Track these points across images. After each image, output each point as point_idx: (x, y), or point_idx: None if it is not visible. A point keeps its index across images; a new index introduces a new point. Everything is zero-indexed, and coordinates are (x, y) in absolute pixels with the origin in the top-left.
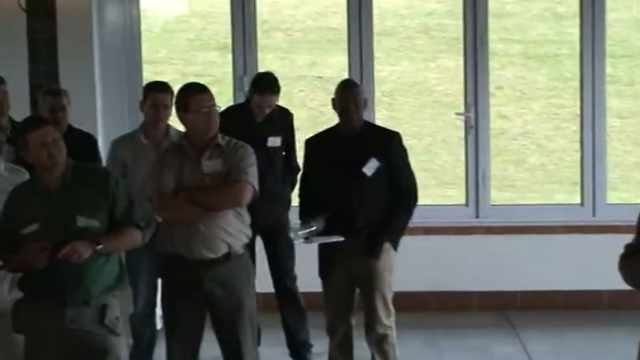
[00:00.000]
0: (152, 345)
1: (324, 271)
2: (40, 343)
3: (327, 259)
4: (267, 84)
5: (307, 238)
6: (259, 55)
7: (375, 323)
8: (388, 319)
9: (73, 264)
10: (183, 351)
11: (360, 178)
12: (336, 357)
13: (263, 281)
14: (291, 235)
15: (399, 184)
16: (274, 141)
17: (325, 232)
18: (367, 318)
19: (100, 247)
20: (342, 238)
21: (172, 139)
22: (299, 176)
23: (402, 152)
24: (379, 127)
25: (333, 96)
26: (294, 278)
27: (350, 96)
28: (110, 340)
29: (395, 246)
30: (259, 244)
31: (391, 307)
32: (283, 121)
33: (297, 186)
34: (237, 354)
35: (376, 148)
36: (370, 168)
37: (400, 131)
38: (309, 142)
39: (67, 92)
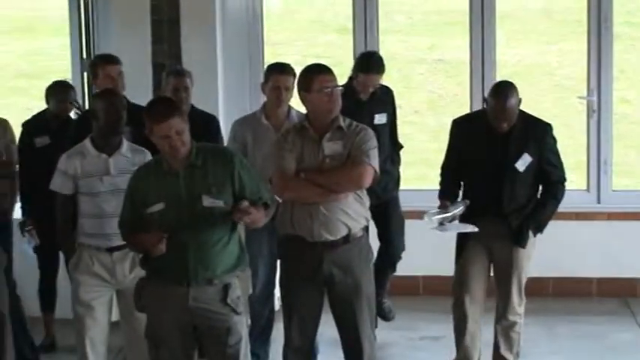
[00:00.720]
0: (270, 326)
1: (460, 251)
2: (163, 322)
3: (464, 239)
4: (372, 64)
5: (442, 224)
6: (380, 37)
7: (507, 310)
8: (520, 307)
9: (196, 245)
10: (300, 332)
11: (511, 172)
12: (468, 344)
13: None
14: (425, 218)
15: (550, 177)
16: (380, 118)
17: (462, 218)
18: (500, 304)
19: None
20: (476, 229)
21: (293, 121)
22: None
23: (553, 144)
24: (530, 117)
25: (451, 79)
26: (400, 255)
27: (502, 111)
28: (232, 319)
29: (537, 234)
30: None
31: (523, 294)
32: (386, 98)
33: (440, 165)
34: (355, 336)
35: (529, 144)
36: (523, 164)
37: None
38: (457, 124)
39: (190, 73)
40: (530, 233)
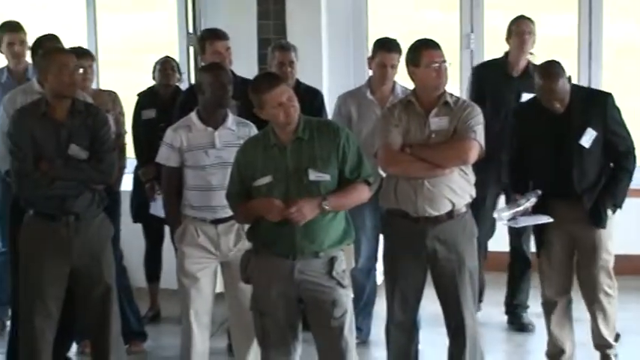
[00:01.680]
0: (372, 300)
1: (540, 243)
2: (269, 294)
3: (543, 229)
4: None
5: (514, 218)
6: (485, 12)
7: (597, 293)
8: (611, 289)
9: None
10: (403, 307)
11: (578, 150)
12: (557, 335)
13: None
14: (495, 215)
15: (617, 149)
16: (526, 97)
17: (536, 208)
18: (589, 289)
19: (327, 207)
20: (550, 220)
21: (398, 96)
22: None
23: (617, 114)
24: (588, 90)
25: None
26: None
27: (551, 92)
28: (338, 292)
29: (616, 210)
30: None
31: (612, 274)
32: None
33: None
34: (458, 312)
35: (591, 118)
36: (588, 139)
37: (627, 93)
38: (516, 113)
39: (295, 48)
40: (609, 211)
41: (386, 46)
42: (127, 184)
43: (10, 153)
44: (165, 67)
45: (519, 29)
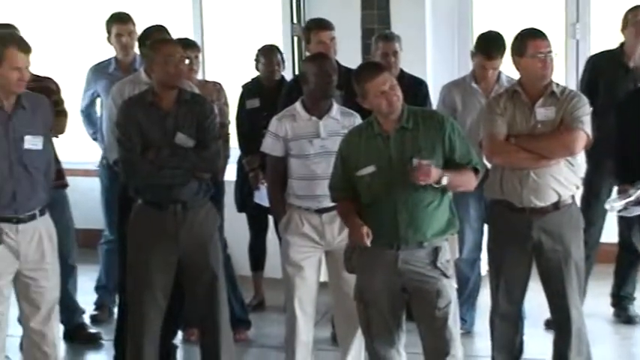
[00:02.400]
0: (476, 291)
1: None
2: (373, 284)
3: None
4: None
5: (625, 209)
6: (592, 1)
7: None
8: None
9: (407, 208)
10: (508, 298)
11: None
12: None
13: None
14: (607, 206)
15: None
16: None
17: None
18: None
19: (445, 181)
20: None
21: (503, 85)
22: None
23: None
24: None
25: None
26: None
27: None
28: (442, 282)
29: None
30: None
31: None
32: None
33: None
34: (563, 304)
35: None
36: None
37: None
38: (619, 106)
39: (399, 38)
40: None
41: (486, 51)
42: (230, 174)
43: (119, 142)
44: (270, 57)
45: (636, 19)
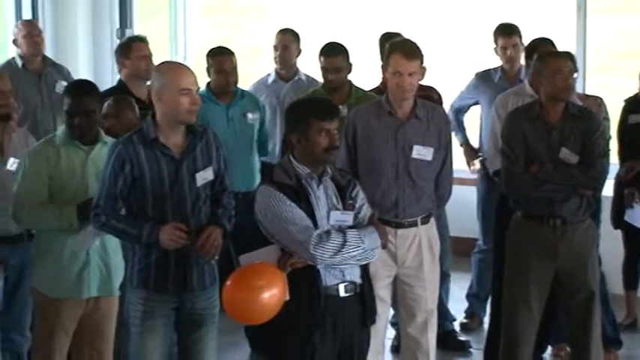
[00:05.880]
0: None
1: None
2: None
3: None
4: None
5: None
6: None
7: None
8: None
9: None
10: None
11: None
12: None
13: None
14: None
15: None
16: None
17: None
18: None
19: None
20: None
21: None
22: None
23: None
24: None
25: None
26: None
27: None
28: None
29: None
30: None
31: None
32: None
33: None
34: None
35: None
36: None
37: None
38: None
39: None
40: None
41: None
42: (608, 189)
43: (502, 153)
44: None
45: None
